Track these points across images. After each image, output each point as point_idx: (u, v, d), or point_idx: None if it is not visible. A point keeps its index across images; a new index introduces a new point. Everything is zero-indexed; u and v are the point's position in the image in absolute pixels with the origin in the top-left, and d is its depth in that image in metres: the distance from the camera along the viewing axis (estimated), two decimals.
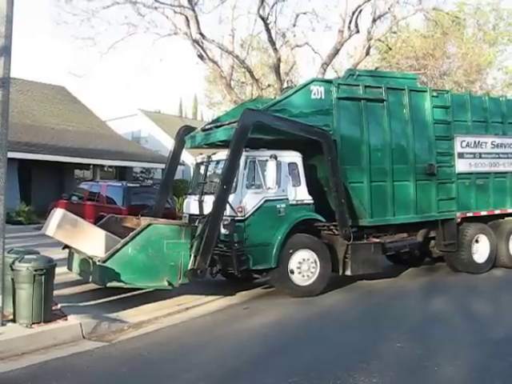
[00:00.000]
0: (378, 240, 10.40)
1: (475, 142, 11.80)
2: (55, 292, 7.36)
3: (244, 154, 9.14)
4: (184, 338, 7.12)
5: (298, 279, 9.31)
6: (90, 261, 8.31)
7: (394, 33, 25.09)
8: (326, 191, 10.15)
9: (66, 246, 9.37)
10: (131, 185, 17.31)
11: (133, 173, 28.32)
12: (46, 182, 23.51)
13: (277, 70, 22.06)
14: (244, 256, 8.93)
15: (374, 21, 22.21)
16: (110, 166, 26.52)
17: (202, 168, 10.45)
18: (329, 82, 10.34)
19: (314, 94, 9.82)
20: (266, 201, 9.23)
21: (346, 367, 5.72)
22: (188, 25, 20.50)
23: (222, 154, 9.72)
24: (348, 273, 9.89)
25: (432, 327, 7.55)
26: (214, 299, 9.16)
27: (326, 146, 9.52)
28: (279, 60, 22.13)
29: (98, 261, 7.98)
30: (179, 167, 26.90)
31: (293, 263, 9.28)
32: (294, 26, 23.00)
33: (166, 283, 8.31)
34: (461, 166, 11.52)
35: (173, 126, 33.58)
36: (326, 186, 10.11)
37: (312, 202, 9.76)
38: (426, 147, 11.06)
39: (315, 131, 9.50)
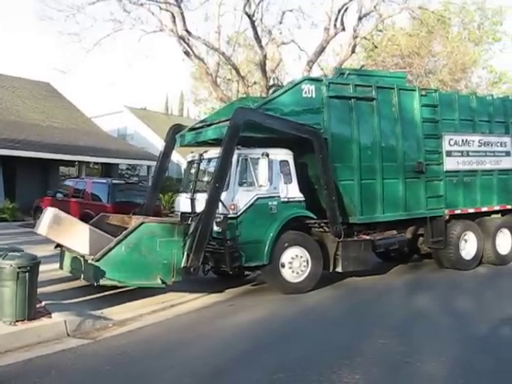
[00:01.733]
0: (367, 237, 10.59)
1: (463, 141, 12.04)
2: (39, 289, 7.36)
3: (236, 152, 9.23)
4: (169, 336, 7.16)
5: (290, 276, 9.45)
6: (83, 259, 8.37)
7: (380, 31, 25.38)
8: (316, 189, 10.27)
9: (58, 245, 9.44)
10: (116, 182, 17.44)
11: (118, 170, 28.29)
12: (30, 179, 23.42)
13: (263, 67, 22.22)
14: (237, 253, 9.02)
15: (360, 19, 22.52)
16: (96, 163, 26.52)
17: (194, 166, 10.55)
18: (319, 80, 10.46)
19: (305, 92, 9.97)
20: (258, 198, 9.33)
21: (330, 364, 5.79)
22: (174, 21, 20.65)
23: (214, 153, 9.83)
24: (339, 270, 10.05)
25: (416, 324, 7.65)
26: (199, 296, 9.24)
27: (317, 145, 9.65)
28: (265, 57, 22.29)
29: (92, 259, 8.04)
30: None
31: (284, 260, 9.42)
32: (281, 23, 23.35)
33: (159, 281, 8.37)
34: (449, 164, 11.75)
35: (159, 122, 33.77)
36: (316, 183, 10.25)
37: (303, 199, 9.89)
38: (414, 145, 11.27)
39: (306, 130, 9.63)
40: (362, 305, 9.03)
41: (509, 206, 12.88)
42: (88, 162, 25.43)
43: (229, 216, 9.01)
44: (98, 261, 8.02)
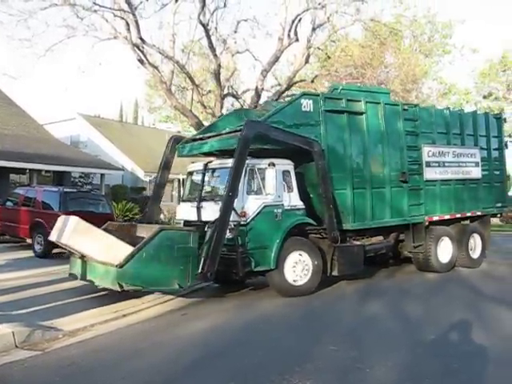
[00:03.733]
0: (359, 243, 12.09)
1: (439, 152, 13.82)
2: None
3: None
4: (121, 345, 7.37)
5: (294, 279, 10.66)
6: (106, 266, 9.22)
7: (333, 41, 26.94)
8: (311, 197, 11.57)
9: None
10: (68, 190, 18.05)
11: (71, 178, 28.64)
12: None
13: (217, 76, 23.04)
14: (247, 258, 10.12)
15: (314, 29, 23.74)
16: (48, 171, 26.59)
17: (197, 176, 11.65)
18: (316, 95, 11.84)
19: (304, 106, 11.30)
20: (265, 206, 10.49)
21: (281, 370, 6.11)
22: (128, 29, 21.12)
23: (219, 163, 11.12)
24: (335, 273, 11.38)
25: (367, 329, 8.22)
26: (151, 305, 9.85)
27: (316, 156, 10.95)
28: (220, 66, 23.14)
29: (116, 266, 8.86)
30: (118, 172, 27.77)
31: (289, 264, 10.61)
32: (235, 32, 24.39)
33: (176, 286, 9.30)
34: (428, 173, 13.48)
35: (113, 130, 34.20)
36: (312, 192, 11.55)
37: (304, 207, 11.16)
38: (399, 156, 12.92)
39: (307, 141, 10.92)
40: (316, 311, 9.72)
41: (478, 213, 14.87)
42: (39, 170, 25.54)
43: (240, 223, 10.14)
44: (121, 267, 8.86)
